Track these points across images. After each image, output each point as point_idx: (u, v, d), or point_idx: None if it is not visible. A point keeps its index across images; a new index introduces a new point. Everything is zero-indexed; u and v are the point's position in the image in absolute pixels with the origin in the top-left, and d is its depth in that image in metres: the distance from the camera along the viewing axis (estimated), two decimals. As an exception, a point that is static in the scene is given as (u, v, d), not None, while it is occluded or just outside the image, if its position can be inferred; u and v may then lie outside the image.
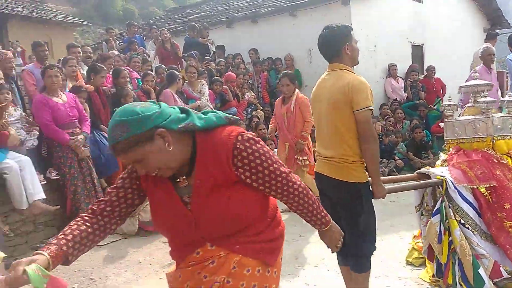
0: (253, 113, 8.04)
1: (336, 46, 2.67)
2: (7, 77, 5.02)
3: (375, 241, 2.76)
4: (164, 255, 4.10)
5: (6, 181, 4.15)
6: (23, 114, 4.81)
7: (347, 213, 2.71)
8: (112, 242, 4.53)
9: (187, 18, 12.99)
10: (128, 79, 6.15)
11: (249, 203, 1.59)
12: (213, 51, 9.62)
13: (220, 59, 9.05)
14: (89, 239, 1.52)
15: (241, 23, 10.54)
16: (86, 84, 5.54)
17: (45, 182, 4.59)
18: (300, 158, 5.30)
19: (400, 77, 9.58)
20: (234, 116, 1.66)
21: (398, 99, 9.21)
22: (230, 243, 1.59)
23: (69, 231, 1.49)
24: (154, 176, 1.55)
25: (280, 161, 1.63)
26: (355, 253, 2.72)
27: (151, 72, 6.70)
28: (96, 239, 1.55)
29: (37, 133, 4.68)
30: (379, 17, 9.13)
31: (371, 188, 2.70)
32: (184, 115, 1.53)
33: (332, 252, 1.98)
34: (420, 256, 3.55)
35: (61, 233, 1.49)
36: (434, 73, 9.56)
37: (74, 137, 4.68)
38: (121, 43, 9.57)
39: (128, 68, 6.86)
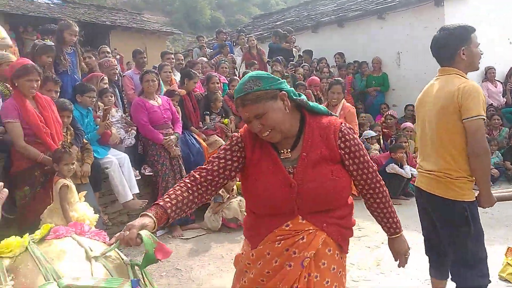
0: (336, 117, 7.95)
1: (450, 49, 2.43)
2: (110, 82, 5.53)
3: (486, 275, 2.41)
4: (246, 252, 4.24)
5: (108, 175, 4.58)
6: (123, 115, 5.28)
7: (450, 237, 2.46)
8: (197, 236, 4.79)
9: (273, 24, 13.22)
10: (218, 84, 6.44)
11: (345, 184, 1.72)
12: (299, 55, 9.71)
13: (304, 64, 9.11)
14: (188, 206, 1.66)
15: (327, 27, 10.50)
16: (179, 88, 5.93)
17: (140, 177, 4.98)
18: None
19: (499, 81, 8.89)
20: (335, 114, 1.84)
21: (495, 104, 8.54)
22: (319, 220, 1.69)
23: (174, 195, 1.63)
24: (260, 146, 1.71)
25: None
26: (458, 284, 2.46)
27: (236, 78, 6.94)
28: (193, 206, 1.69)
29: (135, 132, 5.10)
30: (476, 18, 8.52)
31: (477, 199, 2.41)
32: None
33: (399, 266, 1.94)
34: (516, 272, 3.28)
35: (167, 195, 1.64)
36: (541, 76, 8.74)
37: (167, 137, 5.01)
38: (210, 50, 10.04)
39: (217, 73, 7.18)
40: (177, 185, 1.69)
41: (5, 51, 5.13)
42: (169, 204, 1.60)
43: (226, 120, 6.19)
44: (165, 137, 4.98)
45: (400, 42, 8.83)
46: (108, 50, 6.98)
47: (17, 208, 3.69)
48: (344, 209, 1.76)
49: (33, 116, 3.67)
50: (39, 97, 3.81)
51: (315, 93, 7.80)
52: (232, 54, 9.02)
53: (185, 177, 1.74)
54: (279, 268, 1.67)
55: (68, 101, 4.27)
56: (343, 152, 1.69)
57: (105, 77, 5.22)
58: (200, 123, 5.94)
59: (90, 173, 4.23)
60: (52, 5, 14.43)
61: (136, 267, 1.57)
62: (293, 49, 9.56)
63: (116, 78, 5.90)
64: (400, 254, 1.88)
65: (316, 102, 7.52)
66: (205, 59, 8.01)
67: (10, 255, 1.44)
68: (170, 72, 6.23)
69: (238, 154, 1.75)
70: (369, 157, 1.76)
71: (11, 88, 4.01)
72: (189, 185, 1.68)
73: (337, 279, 1.69)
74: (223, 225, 4.94)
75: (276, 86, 1.65)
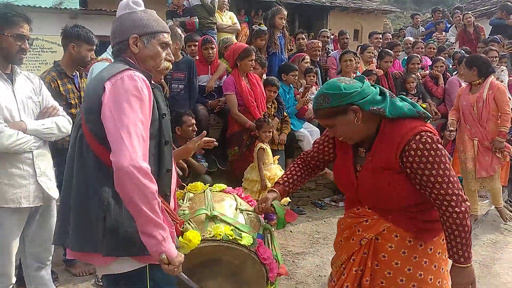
0: None
1: None
2: (313, 62, 6.10)
3: None
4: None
5: (300, 147, 5.20)
6: (321, 92, 5.78)
7: None
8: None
9: (506, -4, 11.60)
10: (418, 65, 6.33)
11: (406, 193, 1.73)
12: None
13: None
14: (299, 181, 2.14)
15: None
16: (377, 68, 6.10)
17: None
18: (501, 156, 4.60)
19: None
20: (427, 113, 1.77)
21: None
22: (384, 212, 1.82)
23: (290, 175, 2.13)
24: (343, 142, 1.89)
25: (452, 176, 1.66)
26: None
27: (441, 58, 6.63)
28: (303, 181, 2.16)
29: (329, 109, 5.55)
30: None
31: None
32: (380, 97, 1.73)
33: None
34: None
35: (285, 174, 2.15)
36: None
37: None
38: (423, 29, 9.65)
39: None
40: (292, 165, 2.17)
41: (234, 35, 6.28)
42: (287, 183, 2.10)
43: (424, 104, 6.05)
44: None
45: None
46: (328, 35, 7.39)
47: (228, 163, 4.66)
48: (413, 209, 1.78)
49: (245, 91, 4.53)
50: (250, 74, 4.65)
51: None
52: (445, 33, 8.51)
53: (297, 158, 2.19)
54: (346, 240, 1.92)
55: (276, 79, 5.00)
56: (407, 165, 1.67)
57: (306, 57, 5.78)
58: (395, 103, 5.97)
59: (286, 141, 4.91)
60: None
61: (267, 230, 2.16)
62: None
63: (318, 58, 6.43)
64: (456, 285, 1.74)
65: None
66: (411, 38, 7.81)
67: (194, 192, 2.33)
68: (372, 53, 6.43)
69: (330, 144, 2.03)
70: (441, 174, 1.64)
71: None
72: (300, 164, 2.15)
73: (408, 263, 1.79)
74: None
75: (347, 101, 1.68)
